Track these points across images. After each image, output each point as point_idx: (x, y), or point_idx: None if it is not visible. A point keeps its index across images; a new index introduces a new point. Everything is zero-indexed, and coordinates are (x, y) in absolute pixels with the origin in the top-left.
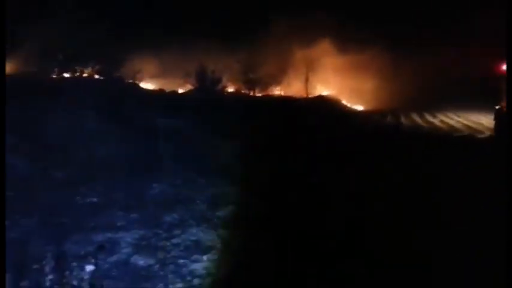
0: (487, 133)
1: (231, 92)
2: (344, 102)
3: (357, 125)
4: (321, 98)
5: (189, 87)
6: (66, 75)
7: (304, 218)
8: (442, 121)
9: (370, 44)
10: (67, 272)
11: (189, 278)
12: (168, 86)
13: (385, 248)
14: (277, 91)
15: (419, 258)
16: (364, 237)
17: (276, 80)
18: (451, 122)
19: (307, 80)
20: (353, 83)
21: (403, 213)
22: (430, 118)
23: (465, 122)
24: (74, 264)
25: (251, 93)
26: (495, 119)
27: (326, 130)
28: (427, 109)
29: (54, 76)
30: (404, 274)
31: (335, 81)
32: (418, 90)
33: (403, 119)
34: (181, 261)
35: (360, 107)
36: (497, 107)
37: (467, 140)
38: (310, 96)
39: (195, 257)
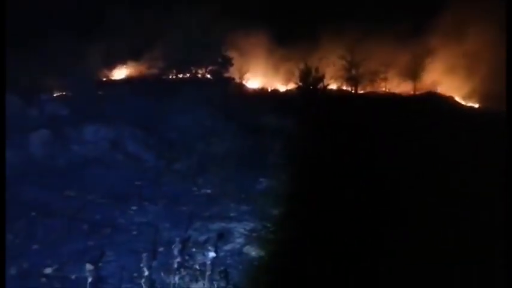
0: None
1: (333, 90)
2: (457, 99)
3: (470, 125)
4: (431, 95)
5: (292, 85)
6: (181, 75)
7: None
8: None
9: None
10: (190, 257)
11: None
12: (270, 84)
13: None
14: (383, 88)
15: None
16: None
17: (381, 76)
18: None
19: (416, 75)
20: (469, 76)
21: None
22: None
23: None
24: (195, 249)
25: (354, 91)
26: None
27: (434, 130)
28: None
29: (171, 77)
30: None
31: (448, 75)
32: None
33: None
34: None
35: (476, 104)
36: None
37: None
38: (418, 93)
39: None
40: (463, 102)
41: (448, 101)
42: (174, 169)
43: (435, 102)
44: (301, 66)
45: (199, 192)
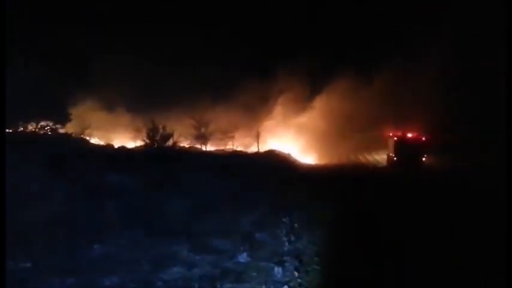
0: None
1: (183, 147)
2: (293, 156)
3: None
4: (271, 153)
5: (139, 142)
6: (7, 130)
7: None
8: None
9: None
10: None
11: None
12: (117, 141)
13: None
14: (230, 145)
15: None
16: None
17: (228, 135)
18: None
19: (258, 135)
20: (302, 138)
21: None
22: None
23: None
24: None
25: (203, 148)
26: (387, 157)
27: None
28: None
29: None
30: None
31: (284, 135)
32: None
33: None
34: None
35: (311, 161)
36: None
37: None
38: (261, 151)
39: None
40: (297, 159)
41: (286, 157)
42: None
43: (274, 158)
44: (149, 123)
45: (16, 267)
